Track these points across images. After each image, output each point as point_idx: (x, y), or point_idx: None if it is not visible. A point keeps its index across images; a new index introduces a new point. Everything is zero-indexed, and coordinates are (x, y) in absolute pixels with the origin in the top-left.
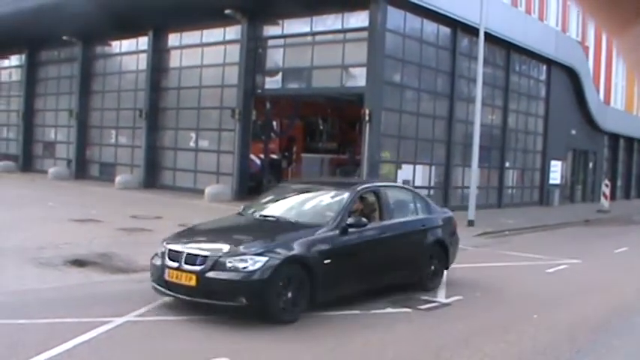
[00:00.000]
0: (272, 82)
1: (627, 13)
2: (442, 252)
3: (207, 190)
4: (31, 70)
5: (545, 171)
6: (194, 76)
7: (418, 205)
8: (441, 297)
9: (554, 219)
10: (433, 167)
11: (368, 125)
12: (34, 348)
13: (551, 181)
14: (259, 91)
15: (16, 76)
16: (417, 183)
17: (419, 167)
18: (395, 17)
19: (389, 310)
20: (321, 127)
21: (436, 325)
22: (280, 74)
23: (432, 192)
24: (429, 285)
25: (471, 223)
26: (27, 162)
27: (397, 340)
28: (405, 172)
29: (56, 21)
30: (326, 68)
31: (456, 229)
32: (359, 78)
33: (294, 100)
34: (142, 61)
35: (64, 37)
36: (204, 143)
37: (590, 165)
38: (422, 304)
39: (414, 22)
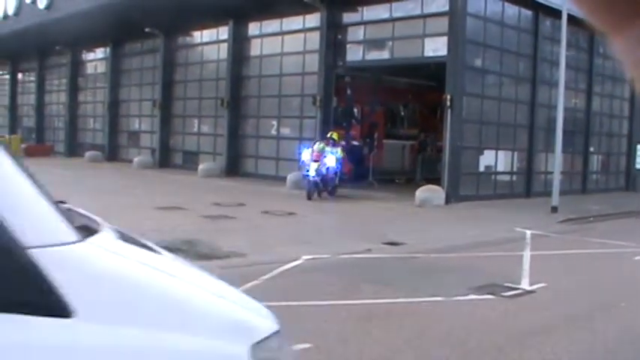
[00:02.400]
0: (353, 54)
1: (625, 13)
2: None
3: (289, 177)
4: (115, 62)
5: (631, 155)
6: (274, 64)
7: None
8: (525, 284)
9: None
10: (515, 153)
11: (449, 111)
12: None
13: (638, 166)
14: (340, 63)
15: (101, 68)
16: (500, 169)
17: (501, 153)
18: (475, 1)
19: (472, 297)
20: (402, 114)
21: (520, 312)
22: (362, 47)
23: (514, 178)
24: None
25: (554, 209)
26: (113, 151)
27: (481, 327)
28: (487, 157)
29: (139, 14)
30: (406, 39)
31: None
32: (440, 48)
33: (374, 86)
34: (223, 51)
35: (147, 30)
36: (285, 131)
37: None
38: (505, 291)
39: (494, 5)
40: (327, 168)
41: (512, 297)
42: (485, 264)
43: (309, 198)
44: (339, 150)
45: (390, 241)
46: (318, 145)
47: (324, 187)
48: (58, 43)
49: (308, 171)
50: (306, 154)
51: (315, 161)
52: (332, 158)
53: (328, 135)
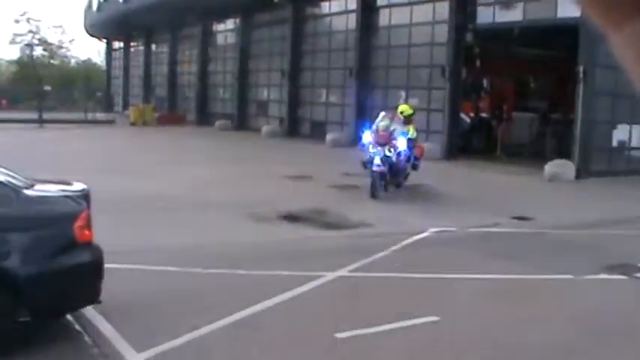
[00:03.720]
0: (483, 17)
1: (625, 10)
2: None
3: None
4: (244, 32)
5: None
6: (403, 35)
7: None
8: None
9: None
10: None
11: (582, 83)
12: (253, 297)
13: None
14: (470, 26)
15: (231, 39)
16: (634, 144)
17: (636, 127)
18: None
19: (603, 276)
20: (532, 86)
21: None
22: (492, 9)
23: None
24: None
25: None
26: (241, 121)
27: (611, 308)
28: (621, 132)
29: None
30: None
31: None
32: (574, 9)
33: (504, 57)
34: (352, 21)
35: (276, 0)
36: (414, 101)
37: None
38: (639, 272)
39: None
40: (399, 153)
41: None
42: (617, 243)
43: (374, 196)
44: (410, 128)
45: (519, 215)
46: (382, 122)
47: (392, 179)
48: (189, 15)
49: (372, 159)
50: (367, 136)
51: (382, 144)
52: (402, 140)
53: (399, 109)
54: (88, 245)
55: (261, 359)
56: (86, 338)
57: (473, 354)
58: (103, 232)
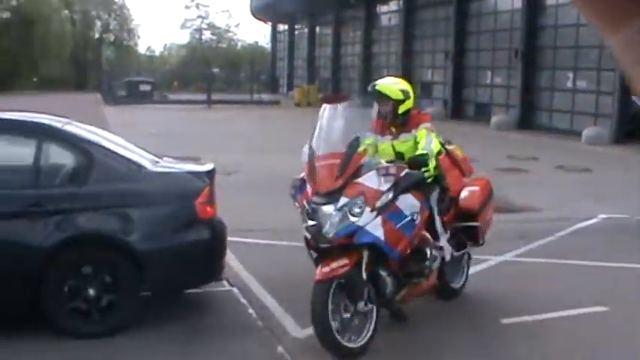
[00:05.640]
0: None
1: (623, 12)
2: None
3: (585, 132)
4: (408, 14)
5: None
6: (571, 14)
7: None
8: None
9: None
10: None
11: None
12: None
13: None
14: None
15: (395, 20)
16: None
17: None
18: None
19: None
20: None
21: None
22: None
23: None
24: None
25: None
26: None
27: None
28: None
29: None
30: None
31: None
32: None
33: None
34: (517, 0)
35: None
36: (582, 83)
37: None
38: None
39: None
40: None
41: None
42: None
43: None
44: (421, 134)
45: None
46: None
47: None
48: None
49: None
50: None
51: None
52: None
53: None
54: (210, 222)
55: (430, 343)
56: (250, 311)
57: None
58: (269, 211)
